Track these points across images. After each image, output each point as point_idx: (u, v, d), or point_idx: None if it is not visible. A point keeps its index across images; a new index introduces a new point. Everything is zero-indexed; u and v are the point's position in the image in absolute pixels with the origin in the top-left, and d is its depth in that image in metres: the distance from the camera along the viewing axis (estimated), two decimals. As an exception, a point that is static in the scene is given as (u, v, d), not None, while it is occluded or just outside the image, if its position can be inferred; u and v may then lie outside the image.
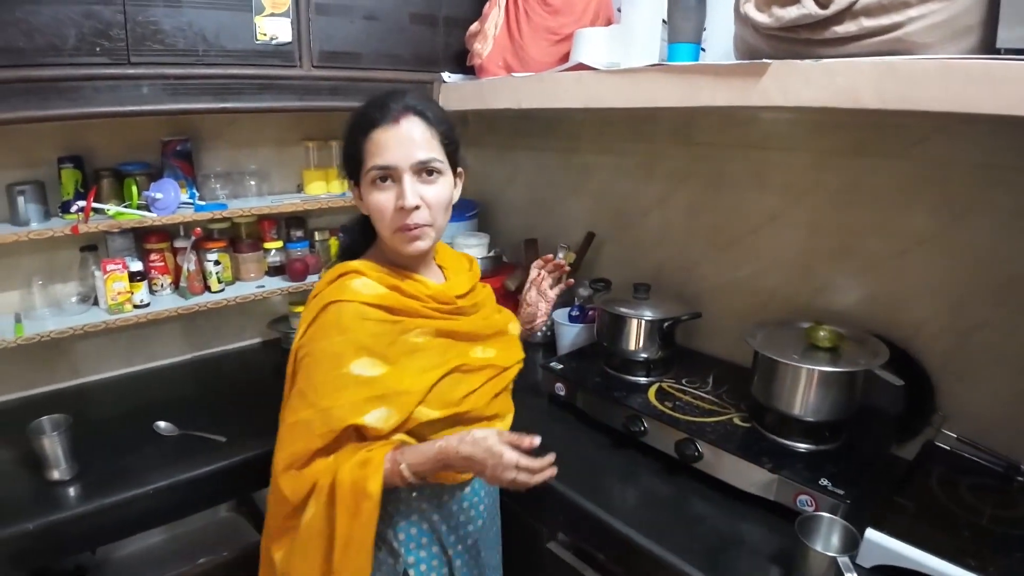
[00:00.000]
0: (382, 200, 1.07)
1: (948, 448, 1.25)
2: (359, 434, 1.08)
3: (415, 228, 1.08)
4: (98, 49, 1.38)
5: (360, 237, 1.22)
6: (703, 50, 1.36)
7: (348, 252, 1.22)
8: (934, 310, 1.34)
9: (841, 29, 0.98)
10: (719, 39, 1.34)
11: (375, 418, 1.06)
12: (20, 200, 1.58)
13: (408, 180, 1.06)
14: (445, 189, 1.11)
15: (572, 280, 1.47)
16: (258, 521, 1.81)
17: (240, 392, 1.83)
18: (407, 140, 1.06)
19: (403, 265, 1.17)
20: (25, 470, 1.39)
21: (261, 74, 1.62)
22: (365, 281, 1.10)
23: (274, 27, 1.60)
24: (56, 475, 1.36)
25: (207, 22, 1.51)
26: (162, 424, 1.57)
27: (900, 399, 1.34)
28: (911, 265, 1.36)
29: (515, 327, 1.34)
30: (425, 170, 1.07)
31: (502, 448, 1.02)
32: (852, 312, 1.46)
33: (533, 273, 1.46)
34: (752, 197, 1.63)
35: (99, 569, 1.67)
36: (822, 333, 1.30)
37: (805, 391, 1.25)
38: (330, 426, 1.04)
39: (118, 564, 1.72)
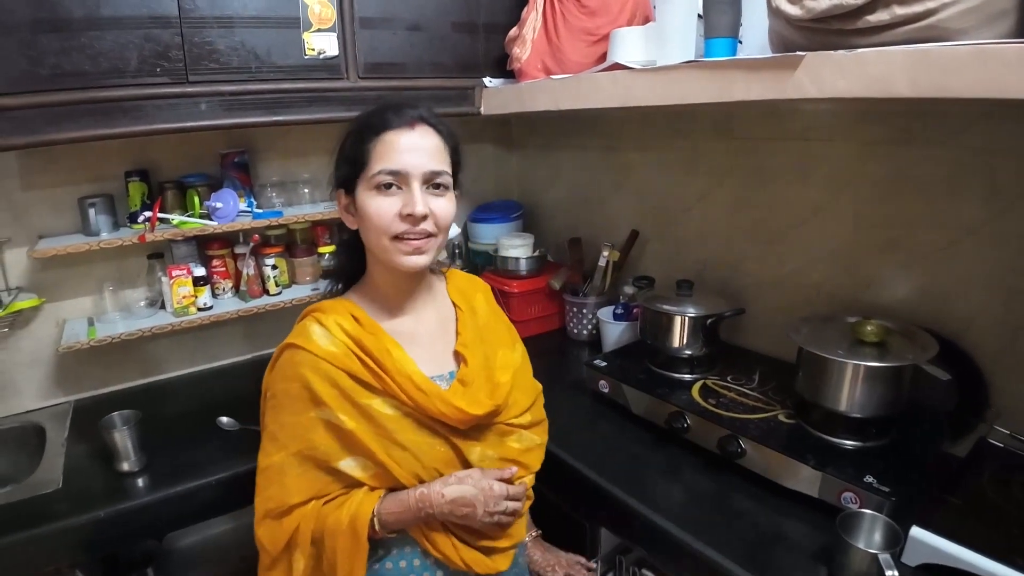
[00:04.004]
0: (385, 206, 0.98)
1: (1001, 445, 1.21)
2: (338, 477, 1.00)
3: (419, 239, 0.99)
4: (158, 70, 1.47)
5: (348, 264, 1.13)
6: (740, 43, 1.34)
7: (338, 276, 1.16)
8: (985, 303, 1.30)
9: (874, 18, 0.96)
10: (756, 32, 1.32)
11: (350, 466, 0.99)
12: (91, 212, 1.69)
13: (417, 188, 0.98)
14: (451, 205, 1.04)
15: None
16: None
17: (296, 390, 1.89)
18: (421, 147, 0.99)
19: (394, 299, 1.09)
20: (98, 462, 1.48)
21: (310, 87, 1.69)
22: (324, 332, 1.00)
23: (322, 42, 1.67)
24: (126, 467, 1.44)
25: (258, 40, 1.58)
26: (224, 419, 1.65)
27: (952, 395, 1.30)
28: (961, 256, 1.32)
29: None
30: (434, 182, 1.01)
31: (490, 480, 1.01)
32: (900, 306, 1.42)
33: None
34: (795, 190, 1.60)
35: (165, 556, 1.75)
36: (869, 328, 1.27)
37: (851, 387, 1.23)
38: (304, 470, 0.98)
39: (183, 551, 1.79)
